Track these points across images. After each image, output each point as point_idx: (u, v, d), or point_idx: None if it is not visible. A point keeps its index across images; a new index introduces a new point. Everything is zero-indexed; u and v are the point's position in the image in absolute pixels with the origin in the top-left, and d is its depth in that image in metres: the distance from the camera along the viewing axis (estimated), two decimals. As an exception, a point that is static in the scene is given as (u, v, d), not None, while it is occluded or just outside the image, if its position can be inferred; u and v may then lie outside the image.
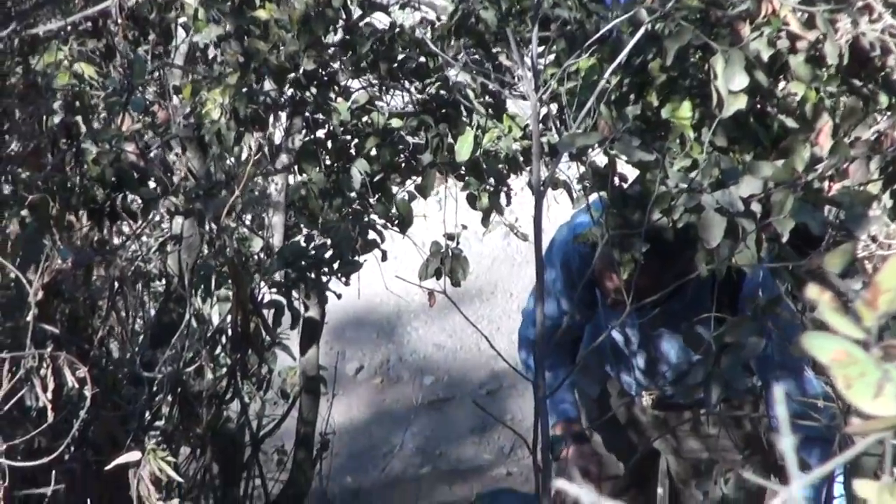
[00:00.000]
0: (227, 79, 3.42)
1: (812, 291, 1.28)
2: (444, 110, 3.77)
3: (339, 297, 4.06)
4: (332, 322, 4.40)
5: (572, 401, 4.19)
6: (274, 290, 3.79)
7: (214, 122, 3.44)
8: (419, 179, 3.82)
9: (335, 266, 3.78)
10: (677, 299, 3.79)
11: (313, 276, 3.78)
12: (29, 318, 2.67)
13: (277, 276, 3.76)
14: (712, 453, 4.26)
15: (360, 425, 6.24)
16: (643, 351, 4.11)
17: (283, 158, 3.83)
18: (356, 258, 3.82)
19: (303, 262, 3.78)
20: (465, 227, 3.95)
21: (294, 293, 3.82)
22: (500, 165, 3.82)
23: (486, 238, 4.71)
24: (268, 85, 3.60)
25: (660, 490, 4.55)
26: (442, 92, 3.77)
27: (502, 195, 3.88)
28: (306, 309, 3.99)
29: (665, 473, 4.58)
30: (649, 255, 3.21)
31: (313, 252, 3.80)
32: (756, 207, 2.76)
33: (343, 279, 3.85)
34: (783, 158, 2.81)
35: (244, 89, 3.44)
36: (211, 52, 3.79)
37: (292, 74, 3.54)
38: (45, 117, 3.10)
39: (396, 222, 3.90)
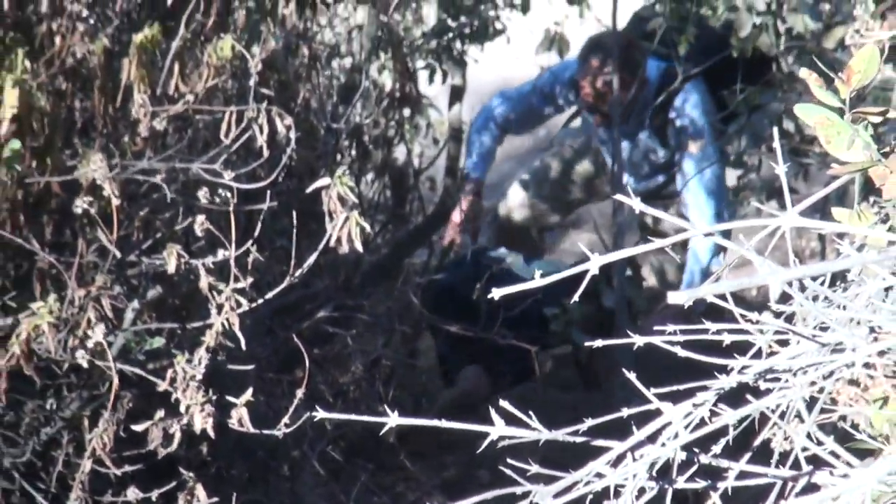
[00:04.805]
0: None
1: (803, 72, 1.54)
2: None
3: (475, 62, 4.41)
4: (471, 89, 4.79)
5: (482, 167, 4.51)
6: (428, 58, 4.18)
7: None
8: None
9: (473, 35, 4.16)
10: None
11: (458, 43, 4.14)
12: (251, 82, 2.96)
13: (433, 44, 4.14)
14: None
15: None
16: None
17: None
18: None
19: (449, 35, 4.16)
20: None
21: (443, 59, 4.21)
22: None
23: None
24: None
25: None
26: None
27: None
28: (452, 77, 4.35)
29: None
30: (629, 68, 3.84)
31: (455, 26, 4.16)
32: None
33: (480, 45, 4.22)
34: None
35: None
36: None
37: None
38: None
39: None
